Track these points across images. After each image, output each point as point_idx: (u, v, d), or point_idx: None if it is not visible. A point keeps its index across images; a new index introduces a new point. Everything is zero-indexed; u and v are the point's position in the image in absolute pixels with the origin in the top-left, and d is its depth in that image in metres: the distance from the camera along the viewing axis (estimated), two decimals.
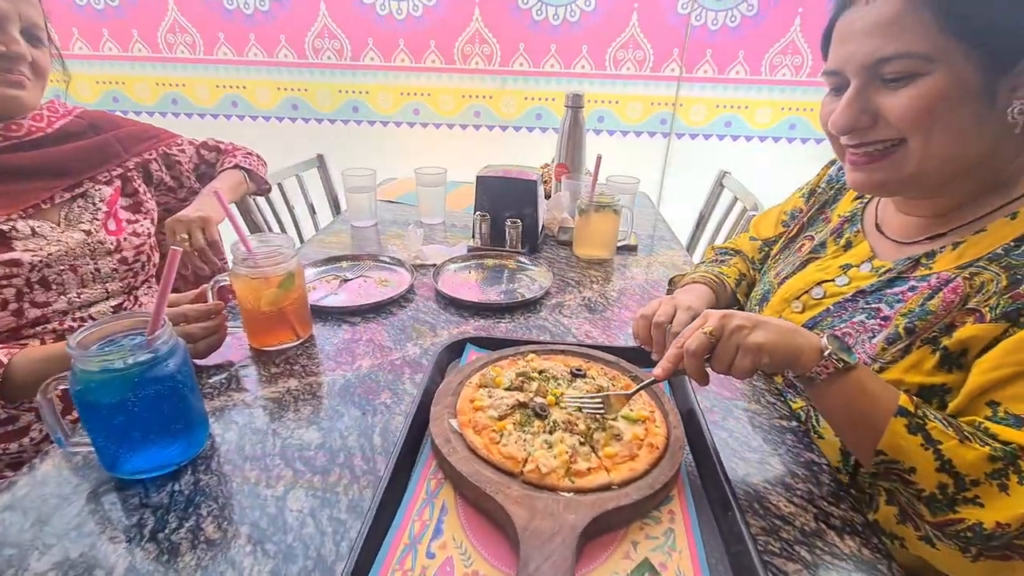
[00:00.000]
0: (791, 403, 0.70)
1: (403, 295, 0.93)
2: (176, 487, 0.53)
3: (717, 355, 0.53)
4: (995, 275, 0.52)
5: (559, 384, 0.64)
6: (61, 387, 0.51)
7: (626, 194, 1.24)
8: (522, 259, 1.09)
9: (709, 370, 0.55)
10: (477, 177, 1.13)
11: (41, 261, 0.81)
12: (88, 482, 0.53)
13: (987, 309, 0.51)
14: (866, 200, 0.73)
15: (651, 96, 1.75)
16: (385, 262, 1.06)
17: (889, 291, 0.60)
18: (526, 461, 0.52)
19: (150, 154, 1.05)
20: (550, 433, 0.55)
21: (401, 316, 0.89)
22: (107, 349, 0.52)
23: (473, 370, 0.67)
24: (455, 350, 0.75)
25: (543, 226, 1.22)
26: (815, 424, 0.66)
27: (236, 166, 1.12)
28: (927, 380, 0.54)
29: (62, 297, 0.84)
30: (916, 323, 0.55)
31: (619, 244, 1.16)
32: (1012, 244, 0.53)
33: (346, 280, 1.00)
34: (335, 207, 1.64)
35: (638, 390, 0.60)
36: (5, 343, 0.79)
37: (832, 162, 0.83)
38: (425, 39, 1.70)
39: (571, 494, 0.49)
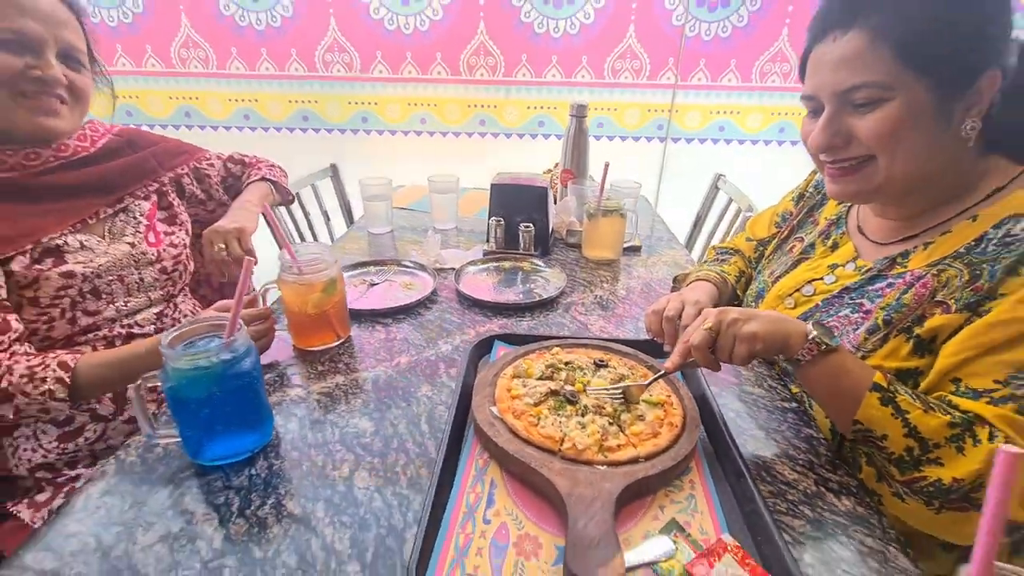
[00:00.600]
0: (790, 387, 0.78)
1: (428, 297, 1.00)
2: (252, 471, 0.60)
3: (719, 346, 0.61)
4: (959, 271, 0.60)
5: (585, 373, 0.71)
6: (151, 384, 0.57)
7: (629, 198, 1.32)
8: (536, 261, 1.16)
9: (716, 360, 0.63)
10: (492, 185, 1.20)
11: (92, 272, 0.86)
12: (172, 469, 0.60)
13: (952, 301, 0.59)
14: (849, 203, 0.81)
15: (648, 103, 1.83)
16: (408, 267, 1.12)
17: (870, 288, 0.68)
18: (563, 440, 0.59)
19: (182, 169, 1.11)
20: (582, 416, 0.63)
21: (429, 316, 0.95)
22: (189, 350, 0.58)
23: (505, 363, 0.74)
24: (484, 346, 0.82)
25: (552, 229, 1.29)
26: (810, 408, 0.73)
27: (263, 178, 1.18)
28: (903, 365, 0.62)
29: (111, 305, 0.90)
30: (893, 315, 0.63)
31: (625, 245, 1.24)
32: (972, 243, 0.61)
33: (373, 284, 1.06)
34: (348, 214, 1.70)
35: (652, 381, 0.67)
36: (59, 349, 0.84)
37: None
38: (432, 51, 1.77)
39: (605, 467, 0.57)
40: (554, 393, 0.67)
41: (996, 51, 0.58)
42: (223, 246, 0.98)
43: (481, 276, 1.12)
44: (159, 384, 0.57)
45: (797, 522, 0.55)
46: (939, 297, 0.61)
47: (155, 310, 0.97)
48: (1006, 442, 0.53)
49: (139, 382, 0.57)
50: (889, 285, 0.66)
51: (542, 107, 1.84)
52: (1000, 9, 0.58)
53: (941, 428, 0.54)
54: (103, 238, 0.92)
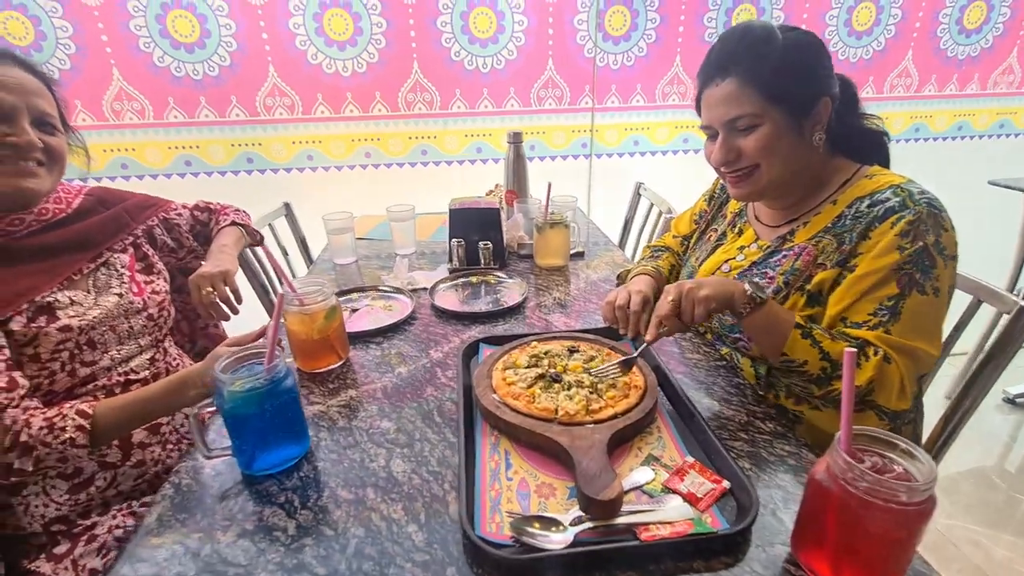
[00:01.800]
0: (720, 351, 0.98)
1: (410, 315, 1.12)
2: (301, 474, 0.70)
3: (682, 310, 0.78)
4: (830, 240, 0.83)
5: (562, 358, 0.87)
6: (209, 410, 0.66)
7: (569, 210, 1.51)
8: (498, 274, 1.31)
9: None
10: (450, 210, 1.35)
11: (88, 324, 0.91)
12: (227, 484, 0.68)
13: (828, 261, 0.82)
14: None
15: (571, 125, 2.06)
16: (385, 291, 1.24)
17: (771, 260, 0.90)
18: (556, 410, 0.74)
19: (152, 220, 1.16)
20: (568, 390, 0.78)
21: (415, 332, 1.08)
22: (236, 375, 0.68)
23: (494, 360, 0.88)
24: (472, 349, 0.96)
25: (505, 245, 1.45)
26: (737, 362, 0.94)
27: (232, 223, 1.25)
28: (802, 314, 0.83)
29: (106, 355, 0.94)
30: (790, 278, 0.85)
31: (571, 252, 1.42)
32: (836, 219, 0.84)
33: (355, 310, 1.17)
34: (305, 249, 1.77)
35: (639, 352, 0.84)
36: (60, 402, 0.88)
37: None
38: (371, 91, 1.89)
39: (593, 425, 0.72)
40: (541, 377, 0.82)
41: (825, 84, 0.83)
42: (211, 289, 1.05)
43: (452, 292, 1.25)
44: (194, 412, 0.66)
45: (737, 443, 0.73)
46: (819, 260, 0.83)
47: (147, 356, 1.02)
48: (884, 354, 0.74)
49: (196, 410, 0.65)
50: (784, 256, 0.88)
51: (478, 135, 2.01)
52: (822, 55, 0.82)
53: (843, 350, 0.75)
54: (89, 292, 0.96)
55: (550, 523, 0.58)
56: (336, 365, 0.95)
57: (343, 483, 0.68)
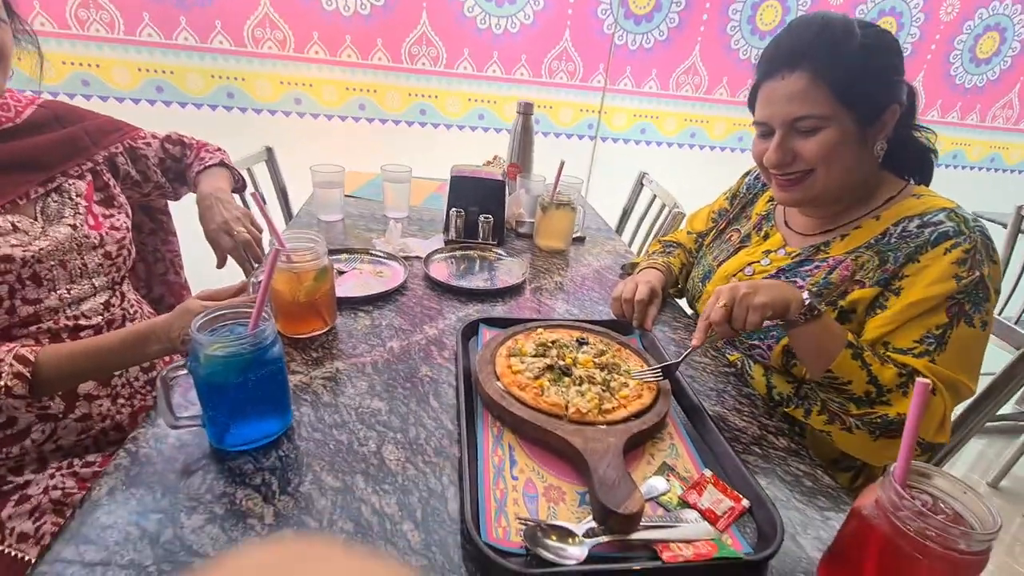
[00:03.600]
0: (728, 356, 0.94)
1: (402, 285, 1.03)
2: (280, 453, 0.62)
3: (735, 317, 0.71)
4: (871, 257, 0.79)
5: (571, 350, 0.81)
6: (179, 372, 0.57)
7: (573, 192, 1.44)
8: (498, 250, 1.24)
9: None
10: (451, 177, 1.25)
11: (33, 256, 0.79)
12: (193, 457, 0.60)
13: (867, 279, 0.78)
14: (776, 203, 0.99)
15: (580, 103, 1.97)
16: (377, 255, 1.14)
17: (801, 268, 0.85)
18: (567, 406, 0.69)
19: (116, 148, 1.02)
20: (579, 385, 0.73)
21: (407, 303, 1.00)
22: (216, 337, 0.59)
23: (498, 343, 0.82)
24: (471, 330, 0.89)
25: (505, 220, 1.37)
26: (748, 369, 0.90)
27: (221, 163, 1.12)
28: None
29: (52, 294, 0.83)
30: (822, 290, 0.81)
31: (573, 236, 1.35)
32: (879, 236, 0.80)
33: (342, 272, 1.07)
34: (284, 200, 1.64)
35: (684, 358, 0.77)
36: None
37: (747, 173, 1.10)
38: (372, 37, 1.74)
39: (605, 426, 0.67)
40: (549, 368, 0.76)
41: (898, 90, 0.77)
42: (241, 230, 0.95)
43: (447, 264, 1.17)
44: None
45: (751, 458, 0.70)
46: (858, 277, 0.79)
47: (101, 299, 0.91)
48: (932, 384, 0.70)
49: (167, 371, 0.56)
50: (816, 267, 0.84)
51: (483, 100, 1.90)
52: (899, 58, 0.77)
53: (893, 377, 0.71)
54: (36, 219, 0.84)
55: (564, 533, 0.53)
56: (321, 332, 0.86)
57: (329, 467, 0.61)
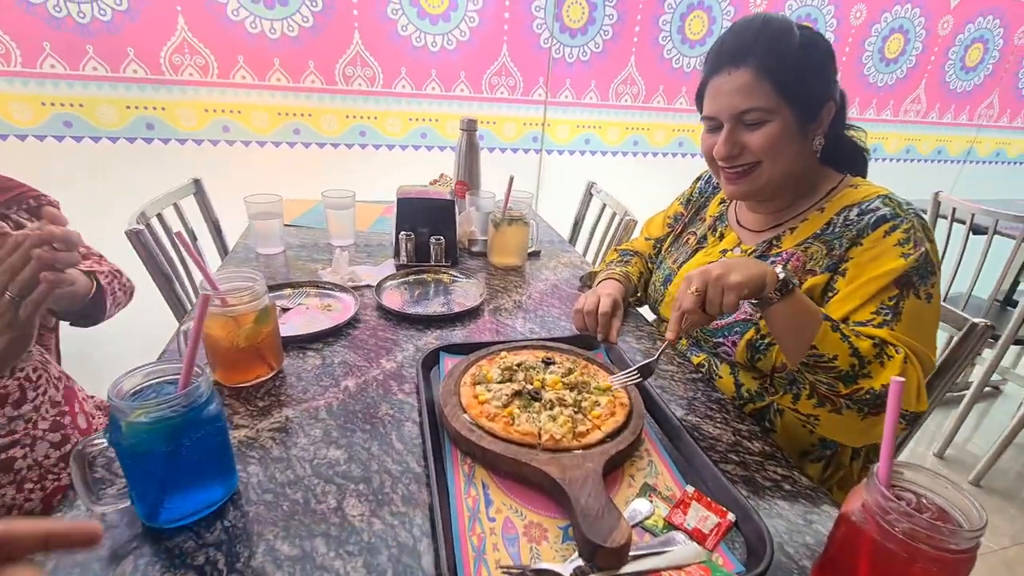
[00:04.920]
0: (693, 359, 0.94)
1: (354, 317, 0.97)
2: (226, 523, 0.55)
3: (709, 300, 0.69)
4: (819, 247, 0.82)
5: (538, 372, 0.78)
6: (96, 444, 0.49)
7: (524, 207, 1.42)
8: (453, 272, 1.20)
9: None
10: (398, 199, 1.21)
11: None
12: (123, 538, 0.52)
13: (818, 267, 0.81)
14: (727, 204, 1.01)
15: (523, 117, 1.96)
16: (324, 287, 1.08)
17: None
18: (540, 434, 0.65)
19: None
20: (551, 409, 0.69)
21: (361, 336, 0.94)
22: (139, 402, 0.52)
23: (461, 372, 0.77)
24: (431, 359, 0.84)
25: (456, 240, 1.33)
26: (715, 370, 0.90)
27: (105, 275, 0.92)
28: None
29: None
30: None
31: (528, 251, 1.33)
32: (824, 226, 0.83)
33: (286, 309, 1.00)
34: (217, 233, 1.53)
35: (659, 355, 0.75)
36: None
37: (699, 177, 1.12)
38: (303, 59, 1.66)
39: (582, 451, 0.64)
40: (518, 394, 0.72)
41: (833, 88, 0.81)
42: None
43: (401, 291, 1.12)
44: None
45: (729, 466, 0.68)
46: (809, 267, 0.82)
47: None
48: (905, 354, 0.72)
49: (83, 446, 0.49)
50: (771, 262, 0.85)
51: (424, 119, 1.86)
52: (833, 60, 0.80)
53: (869, 348, 0.71)
54: None
55: None
56: (266, 378, 0.79)
57: (283, 533, 0.54)
